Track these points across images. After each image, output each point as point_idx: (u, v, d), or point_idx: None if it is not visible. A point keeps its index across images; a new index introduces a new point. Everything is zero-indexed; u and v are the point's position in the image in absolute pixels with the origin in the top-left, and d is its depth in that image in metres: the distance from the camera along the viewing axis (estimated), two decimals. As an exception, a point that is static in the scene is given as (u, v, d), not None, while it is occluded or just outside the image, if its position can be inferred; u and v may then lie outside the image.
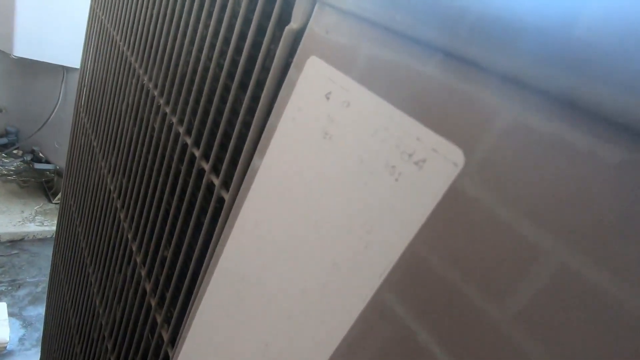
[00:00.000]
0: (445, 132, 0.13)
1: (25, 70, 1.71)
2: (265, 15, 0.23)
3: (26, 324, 1.52)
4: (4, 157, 1.82)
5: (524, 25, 0.11)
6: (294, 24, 0.20)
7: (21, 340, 1.46)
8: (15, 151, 1.84)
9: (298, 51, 0.19)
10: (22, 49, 1.49)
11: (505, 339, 0.11)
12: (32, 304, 1.60)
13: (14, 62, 1.57)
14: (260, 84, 0.24)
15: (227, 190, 0.26)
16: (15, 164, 1.95)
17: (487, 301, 0.12)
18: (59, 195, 2.12)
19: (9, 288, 1.62)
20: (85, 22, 1.53)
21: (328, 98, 0.17)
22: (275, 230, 0.20)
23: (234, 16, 0.27)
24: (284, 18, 0.22)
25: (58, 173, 2.11)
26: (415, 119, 0.14)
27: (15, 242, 1.85)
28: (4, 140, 1.79)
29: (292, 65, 0.19)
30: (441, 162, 0.13)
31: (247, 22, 0.25)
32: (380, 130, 0.15)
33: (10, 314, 1.46)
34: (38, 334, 1.50)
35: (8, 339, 1.37)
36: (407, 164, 0.14)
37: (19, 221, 1.91)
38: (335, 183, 0.17)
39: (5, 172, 2.16)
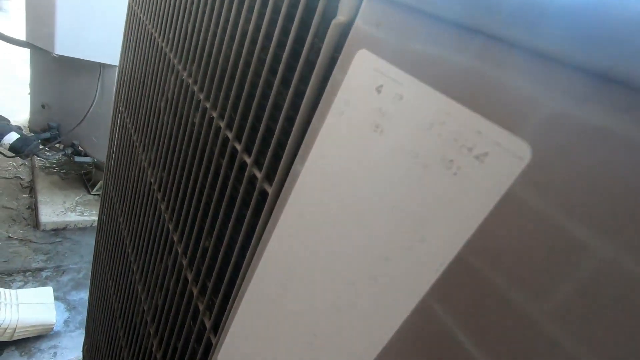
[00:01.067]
0: (509, 125, 0.13)
1: (64, 68, 1.80)
2: (308, 10, 0.24)
3: (70, 307, 1.62)
4: (47, 151, 1.93)
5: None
6: (341, 17, 0.20)
7: (66, 322, 1.55)
8: (57, 145, 1.95)
9: (346, 45, 0.19)
10: (63, 47, 1.57)
11: (547, 340, 0.11)
12: (75, 289, 1.70)
13: (54, 60, 1.65)
14: (304, 79, 0.24)
15: (270, 183, 0.27)
16: (57, 157, 2.06)
17: (529, 300, 0.11)
18: (97, 187, 2.22)
19: (54, 274, 1.73)
20: (121, 20, 1.58)
21: (379, 91, 0.17)
22: (323, 224, 0.20)
23: (275, 11, 0.28)
24: (328, 11, 0.22)
25: (96, 166, 2.21)
26: (475, 112, 0.14)
27: (59, 231, 1.97)
28: (46, 135, 1.90)
29: (340, 59, 0.19)
30: (505, 156, 0.13)
31: (289, 17, 0.25)
32: (437, 123, 0.15)
33: (55, 298, 1.56)
34: (81, 317, 1.59)
35: (55, 321, 1.46)
36: (467, 158, 0.14)
37: (62, 211, 2.03)
38: (386, 177, 0.17)
39: (48, 165, 2.29)
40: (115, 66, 1.74)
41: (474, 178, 0.13)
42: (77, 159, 1.99)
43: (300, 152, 0.22)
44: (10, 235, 1.83)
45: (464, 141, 0.14)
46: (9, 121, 1.81)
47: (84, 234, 2.00)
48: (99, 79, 1.75)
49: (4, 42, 1.71)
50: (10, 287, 1.55)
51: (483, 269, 0.13)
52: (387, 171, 0.17)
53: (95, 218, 2.08)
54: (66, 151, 1.94)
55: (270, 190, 0.27)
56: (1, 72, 3.05)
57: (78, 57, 1.62)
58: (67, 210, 2.05)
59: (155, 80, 0.54)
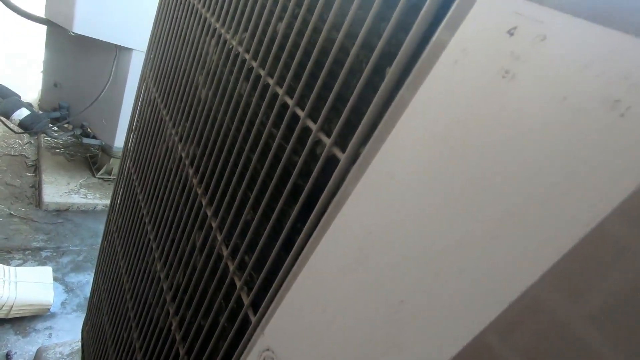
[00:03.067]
0: None
1: (80, 48, 1.78)
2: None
3: (68, 289, 1.59)
4: (55, 131, 1.91)
5: None
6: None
7: (63, 304, 1.53)
8: (66, 125, 1.93)
9: (467, -12, 0.18)
10: (81, 26, 1.55)
11: None
12: (74, 271, 1.67)
13: (70, 39, 1.64)
14: (394, 36, 0.22)
15: (342, 149, 0.26)
16: (64, 138, 2.04)
17: None
18: (103, 170, 2.20)
19: (54, 254, 1.71)
20: (141, 3, 1.57)
21: (512, 34, 0.16)
22: (423, 183, 0.19)
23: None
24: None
25: (103, 149, 2.19)
26: (658, 46, 0.12)
27: (61, 212, 1.94)
28: (56, 114, 1.88)
29: (457, 3, 0.18)
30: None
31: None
32: (596, 62, 0.13)
33: (54, 279, 1.53)
34: (78, 299, 1.57)
35: (52, 302, 1.43)
36: (642, 96, 0.12)
37: (65, 192, 2.01)
38: (518, 127, 0.15)
39: (55, 145, 2.27)
40: (132, 50, 1.73)
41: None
42: (85, 140, 1.97)
43: (390, 111, 0.21)
44: (12, 212, 1.81)
45: (638, 77, 0.12)
46: (19, 97, 1.79)
47: (86, 217, 1.98)
48: (114, 62, 1.74)
49: (21, 18, 1.70)
50: (9, 265, 1.53)
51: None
52: (520, 120, 0.15)
53: (99, 202, 2.06)
54: (75, 132, 1.92)
55: (342, 156, 0.25)
56: (14, 50, 3.04)
57: (95, 37, 1.60)
58: (71, 191, 2.03)
59: (195, 54, 0.52)
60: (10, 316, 1.37)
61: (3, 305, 1.34)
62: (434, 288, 0.18)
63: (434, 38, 0.19)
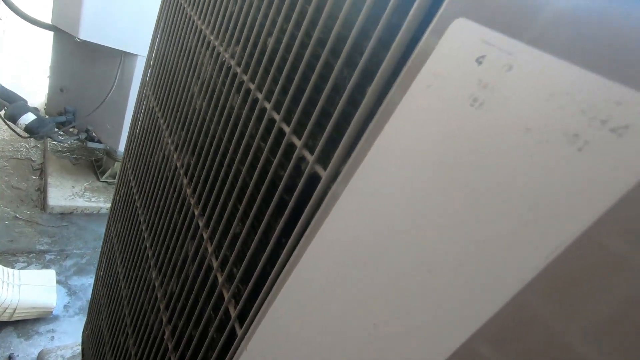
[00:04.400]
0: (661, 95, 0.11)
1: (85, 54, 1.81)
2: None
3: (71, 292, 1.60)
4: (61, 135, 1.93)
5: None
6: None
7: (66, 307, 1.54)
8: (71, 129, 1.95)
9: (440, 13, 0.18)
10: (87, 32, 1.57)
11: None
12: (77, 274, 1.69)
13: (76, 44, 1.66)
14: (375, 55, 0.22)
15: (324, 166, 0.26)
16: (70, 142, 2.06)
17: None
18: (107, 174, 2.22)
19: (58, 257, 1.72)
20: (147, 10, 1.59)
21: (480, 62, 0.16)
22: (393, 207, 0.19)
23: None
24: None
25: (107, 153, 2.21)
26: (615, 81, 0.12)
27: (65, 215, 1.96)
28: (62, 118, 1.90)
29: (430, 29, 0.18)
30: (656, 128, 0.11)
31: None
32: (559, 94, 0.13)
33: (57, 282, 1.55)
34: (81, 302, 1.58)
35: (54, 305, 1.45)
36: (599, 131, 0.12)
37: (70, 195, 2.03)
38: (484, 154, 0.15)
39: (60, 149, 2.30)
40: (137, 55, 1.74)
41: (607, 154, 0.12)
42: (90, 144, 1.99)
43: (369, 130, 0.21)
44: (17, 215, 1.83)
45: (596, 113, 0.12)
46: (26, 102, 1.81)
47: (90, 220, 2.00)
48: (119, 67, 1.76)
49: (28, 24, 1.73)
50: (13, 267, 1.55)
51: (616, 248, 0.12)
52: (486, 147, 0.15)
53: (103, 205, 2.08)
54: (80, 136, 1.95)
55: (324, 173, 0.25)
56: (22, 54, 3.09)
57: (101, 43, 1.62)
58: (76, 195, 2.05)
59: (190, 64, 0.53)
60: (13, 319, 1.39)
61: (6, 308, 1.36)
62: (402, 314, 0.18)
63: (409, 63, 0.19)
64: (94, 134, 1.99)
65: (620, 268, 0.12)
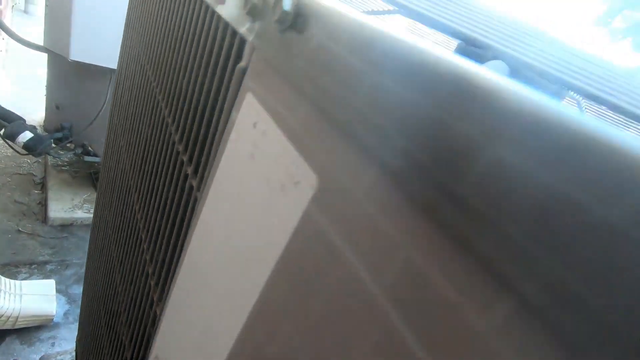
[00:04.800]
0: (309, 159, 0.17)
1: (78, 72, 1.90)
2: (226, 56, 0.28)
3: (71, 300, 1.69)
4: (59, 150, 2.03)
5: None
6: (243, 63, 0.25)
7: (66, 314, 1.62)
8: (68, 145, 2.05)
9: (242, 86, 0.24)
10: (77, 53, 1.66)
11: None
12: (76, 283, 1.77)
13: (68, 64, 1.75)
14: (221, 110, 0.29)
15: (199, 189, 0.32)
16: (68, 156, 2.16)
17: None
18: (105, 186, 2.31)
19: (58, 267, 1.81)
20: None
21: (255, 127, 0.22)
22: (220, 230, 0.25)
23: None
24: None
25: (104, 165, 2.30)
26: (295, 149, 0.18)
27: (65, 227, 2.05)
28: (59, 135, 2.00)
29: (237, 99, 0.24)
30: (305, 184, 0.17)
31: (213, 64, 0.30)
32: (277, 155, 0.19)
33: (58, 291, 1.63)
34: (79, 310, 1.66)
35: (55, 313, 1.53)
36: (290, 183, 0.18)
37: (70, 208, 2.12)
38: (254, 195, 0.21)
39: (60, 164, 2.40)
40: (126, 72, 1.83)
41: (292, 199, 0.18)
42: (87, 158, 2.08)
43: (214, 165, 0.27)
44: (20, 229, 1.92)
45: (288, 170, 0.18)
46: (24, 120, 1.91)
47: (89, 231, 2.09)
48: (109, 84, 1.84)
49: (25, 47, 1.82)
50: (15, 278, 1.64)
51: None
52: (254, 191, 0.21)
53: (101, 216, 2.16)
54: (76, 151, 2.04)
55: (199, 196, 0.31)
56: (21, 73, 3.21)
57: (91, 62, 1.71)
58: (75, 207, 2.14)
59: (134, 90, 0.59)
60: (16, 327, 1.47)
61: (9, 317, 1.44)
62: (180, 344, 0.24)
63: (230, 117, 0.25)
64: (90, 148, 2.08)
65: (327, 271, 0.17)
